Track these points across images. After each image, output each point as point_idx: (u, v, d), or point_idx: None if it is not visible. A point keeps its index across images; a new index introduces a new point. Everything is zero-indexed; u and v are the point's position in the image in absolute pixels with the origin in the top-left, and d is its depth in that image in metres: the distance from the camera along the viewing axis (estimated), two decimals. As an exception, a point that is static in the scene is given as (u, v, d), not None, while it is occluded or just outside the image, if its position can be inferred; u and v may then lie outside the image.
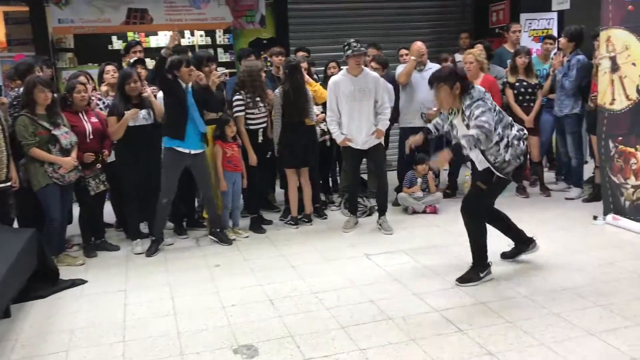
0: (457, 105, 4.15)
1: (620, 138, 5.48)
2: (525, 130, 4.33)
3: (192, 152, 5.29)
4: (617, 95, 5.44)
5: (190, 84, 5.28)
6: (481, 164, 4.28)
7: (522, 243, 4.62)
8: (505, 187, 4.44)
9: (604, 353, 3.17)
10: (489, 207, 4.44)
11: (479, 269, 4.31)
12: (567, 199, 6.58)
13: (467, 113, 4.06)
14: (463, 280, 4.28)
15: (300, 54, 6.98)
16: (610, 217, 5.59)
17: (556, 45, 6.97)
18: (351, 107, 5.60)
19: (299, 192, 6.02)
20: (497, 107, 4.18)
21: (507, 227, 4.58)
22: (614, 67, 5.44)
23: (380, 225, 5.80)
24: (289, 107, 5.70)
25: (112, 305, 4.21)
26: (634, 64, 5.25)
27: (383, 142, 5.87)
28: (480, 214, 4.34)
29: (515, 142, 4.15)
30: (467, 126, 4.09)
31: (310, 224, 6.04)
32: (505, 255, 4.68)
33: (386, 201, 5.95)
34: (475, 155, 4.23)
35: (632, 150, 5.36)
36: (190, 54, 6.16)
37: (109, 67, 5.88)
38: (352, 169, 5.94)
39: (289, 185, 6.00)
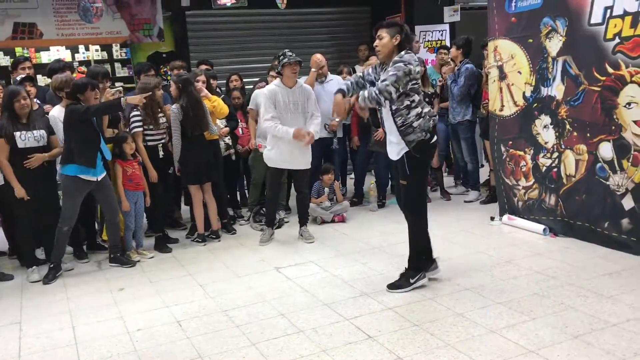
0: (390, 60, 4.13)
1: (510, 142, 5.80)
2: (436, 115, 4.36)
3: (99, 178, 5.07)
4: (506, 102, 5.76)
5: None
6: (393, 148, 4.26)
7: (427, 259, 4.49)
8: (424, 168, 4.34)
9: (504, 348, 3.31)
10: (423, 195, 4.38)
11: (410, 274, 4.30)
12: (466, 201, 6.89)
13: (388, 68, 4.06)
14: (393, 286, 4.29)
15: (202, 67, 6.88)
16: (505, 217, 5.89)
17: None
18: (283, 119, 5.50)
19: (205, 208, 5.90)
20: (419, 77, 4.13)
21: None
22: (502, 75, 5.77)
23: (301, 235, 5.81)
24: (189, 121, 5.55)
25: (5, 339, 3.92)
26: (519, 72, 5.58)
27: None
28: (420, 208, 4.32)
29: (427, 117, 4.15)
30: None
31: (219, 240, 5.93)
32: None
33: (307, 212, 5.97)
34: (386, 117, 4.20)
35: (522, 153, 5.68)
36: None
37: None
38: (276, 185, 5.85)
39: (194, 202, 5.86)
